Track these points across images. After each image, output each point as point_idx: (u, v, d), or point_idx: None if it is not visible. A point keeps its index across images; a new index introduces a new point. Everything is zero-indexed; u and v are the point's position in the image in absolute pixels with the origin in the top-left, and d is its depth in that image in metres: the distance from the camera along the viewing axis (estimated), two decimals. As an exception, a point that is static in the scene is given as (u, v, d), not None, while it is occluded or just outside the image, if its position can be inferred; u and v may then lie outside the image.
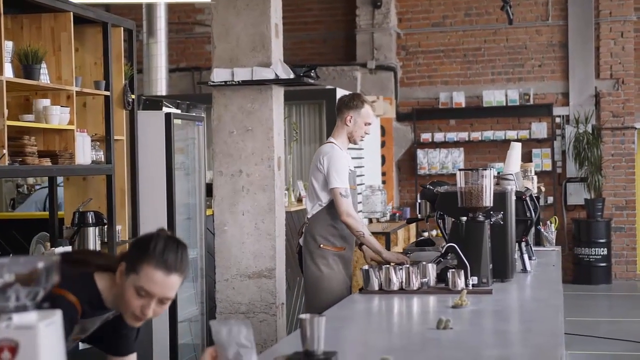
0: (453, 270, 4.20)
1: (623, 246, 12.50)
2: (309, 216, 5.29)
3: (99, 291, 2.63)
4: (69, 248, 5.09)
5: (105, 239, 5.50)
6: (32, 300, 1.75)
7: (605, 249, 12.16)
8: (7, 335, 1.69)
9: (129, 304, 2.56)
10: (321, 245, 5.17)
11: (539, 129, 12.54)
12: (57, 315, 1.76)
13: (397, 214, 11.14)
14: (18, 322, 1.71)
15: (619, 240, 12.47)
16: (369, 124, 5.30)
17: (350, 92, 5.58)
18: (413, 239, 10.70)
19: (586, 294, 11.61)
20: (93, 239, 5.31)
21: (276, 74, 5.69)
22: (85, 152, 5.19)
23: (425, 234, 12.10)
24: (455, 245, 4.28)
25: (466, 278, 4.20)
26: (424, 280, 4.24)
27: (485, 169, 4.37)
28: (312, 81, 6.02)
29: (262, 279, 5.65)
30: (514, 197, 4.65)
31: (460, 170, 4.41)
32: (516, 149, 5.55)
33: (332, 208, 5.15)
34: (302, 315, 2.71)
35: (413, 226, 11.25)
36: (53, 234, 5.47)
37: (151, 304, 2.56)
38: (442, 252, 4.41)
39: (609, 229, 12.26)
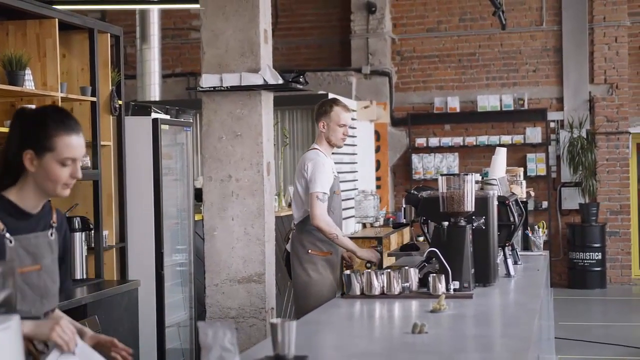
0: (434, 275, 4.21)
1: (618, 250, 12.50)
2: (295, 222, 5.35)
3: (12, 202, 2.69)
4: (54, 253, 5.09)
5: (92, 245, 5.51)
6: (-12, 305, 1.76)
7: (600, 253, 12.17)
8: (-39, 340, 1.71)
9: (57, 178, 2.67)
10: (309, 251, 5.23)
11: (534, 133, 12.55)
12: (13, 321, 1.78)
13: (392, 219, 11.16)
14: (-27, 326, 1.73)
15: (613, 245, 12.47)
16: (344, 125, 5.36)
17: (324, 99, 5.67)
18: (407, 244, 10.70)
19: (581, 298, 11.62)
20: (80, 245, 5.32)
21: (264, 80, 5.71)
22: (71, 157, 5.20)
23: (421, 239, 12.12)
24: (437, 250, 4.30)
25: (447, 283, 4.21)
26: (405, 284, 4.25)
27: (467, 174, 4.38)
28: (300, 87, 6.04)
29: (252, 284, 5.67)
30: (496, 202, 4.65)
31: (442, 175, 4.42)
32: (501, 154, 5.57)
33: None
34: (273, 320, 2.73)
35: (407, 231, 11.26)
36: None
37: (76, 165, 2.70)
38: (423, 256, 4.42)
39: (604, 234, 12.27)
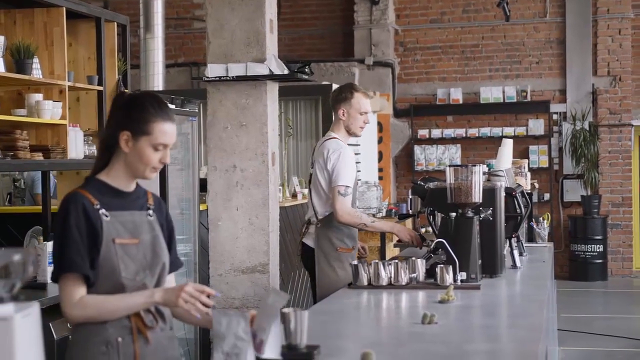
0: (442, 265, 4.21)
1: (619, 243, 12.52)
2: (319, 217, 5.12)
3: (105, 182, 2.84)
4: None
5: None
6: (9, 292, 1.77)
7: (601, 245, 12.18)
8: (-17, 327, 1.71)
9: (148, 161, 2.81)
10: (338, 249, 5.05)
11: (536, 125, 12.55)
12: (33, 307, 1.78)
13: (394, 210, 11.17)
14: (-6, 313, 1.73)
15: (615, 237, 12.49)
16: (365, 112, 5.16)
17: (343, 84, 5.47)
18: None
19: (582, 290, 11.64)
20: (86, 234, 5.31)
21: (270, 70, 5.70)
22: (77, 146, 5.21)
23: (422, 230, 12.14)
24: (444, 241, 4.30)
25: (455, 273, 4.22)
26: (412, 275, 4.25)
27: (475, 166, 4.38)
28: (306, 77, 6.03)
29: (256, 274, 5.67)
30: (503, 193, 4.65)
31: (449, 166, 4.42)
32: (507, 146, 5.57)
33: None
34: (285, 309, 2.73)
35: (409, 222, 11.26)
36: (46, 227, 5.49)
37: (167, 152, 2.83)
38: (431, 247, 4.42)
39: (605, 226, 12.29)
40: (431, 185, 4.72)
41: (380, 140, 12.28)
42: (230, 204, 5.63)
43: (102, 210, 2.78)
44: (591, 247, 12.15)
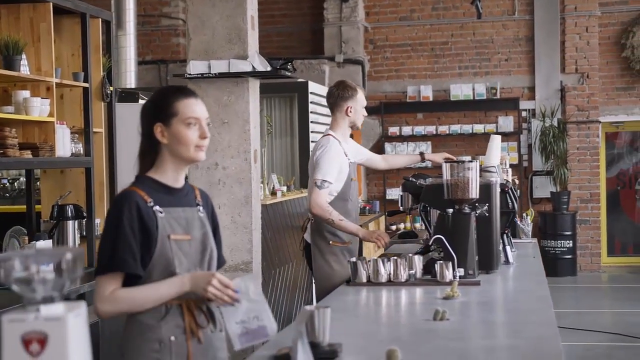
0: (441, 262, 4.21)
1: (588, 238, 12.66)
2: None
3: (154, 179, 2.85)
4: (49, 242, 5.02)
5: (84, 233, 5.43)
6: (59, 292, 1.72)
7: (571, 241, 12.30)
8: (35, 327, 1.67)
9: (187, 140, 2.80)
10: (330, 242, 5.10)
11: (506, 122, 12.64)
12: (83, 307, 1.74)
13: (367, 208, 11.20)
14: (46, 313, 1.69)
15: (584, 233, 12.62)
16: (364, 105, 5.34)
17: (337, 83, 5.41)
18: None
19: (552, 285, 11.63)
20: (72, 233, 5.24)
21: (253, 67, 5.67)
22: (65, 144, 5.12)
23: (395, 226, 12.16)
24: (442, 237, 4.29)
25: (453, 270, 4.22)
26: (410, 272, 4.25)
27: (471, 161, 4.38)
28: (289, 74, 6.01)
29: (239, 273, 5.64)
30: (498, 189, 4.67)
31: (446, 162, 4.41)
32: (496, 142, 5.59)
33: (336, 202, 5.07)
34: (308, 307, 2.70)
35: (383, 219, 11.29)
36: (31, 227, 5.39)
37: (202, 126, 2.82)
38: (429, 244, 4.41)
39: (574, 222, 12.41)
40: (427, 181, 4.72)
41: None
42: (213, 202, 5.57)
43: (156, 207, 2.79)
44: (561, 243, 12.27)
